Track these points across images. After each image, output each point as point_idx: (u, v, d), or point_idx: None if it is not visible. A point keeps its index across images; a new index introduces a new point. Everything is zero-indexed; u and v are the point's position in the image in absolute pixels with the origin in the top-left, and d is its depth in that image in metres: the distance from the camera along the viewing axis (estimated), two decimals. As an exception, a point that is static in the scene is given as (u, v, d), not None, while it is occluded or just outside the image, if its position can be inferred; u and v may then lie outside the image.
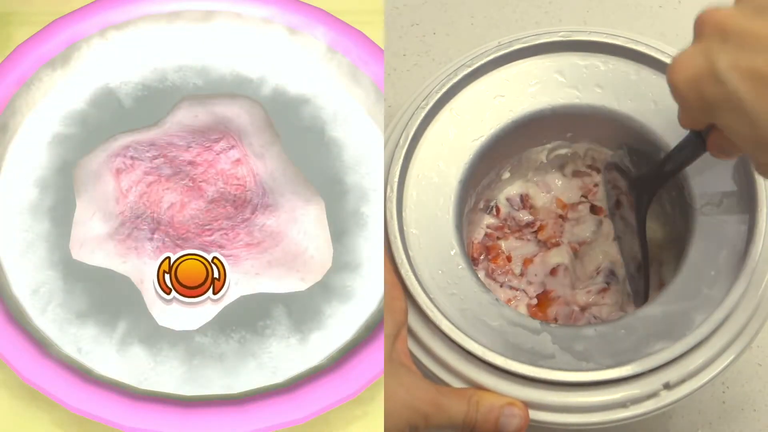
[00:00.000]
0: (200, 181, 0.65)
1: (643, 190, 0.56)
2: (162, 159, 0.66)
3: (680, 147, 0.52)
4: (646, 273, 0.58)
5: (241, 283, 0.62)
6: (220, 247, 0.63)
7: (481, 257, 0.63)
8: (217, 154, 0.66)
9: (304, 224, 0.64)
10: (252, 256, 0.63)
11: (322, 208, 0.64)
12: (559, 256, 0.62)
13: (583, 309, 0.61)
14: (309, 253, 0.63)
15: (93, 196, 0.64)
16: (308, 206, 0.64)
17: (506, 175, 0.63)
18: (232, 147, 0.67)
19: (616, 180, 0.60)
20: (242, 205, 0.65)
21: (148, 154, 0.66)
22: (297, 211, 0.64)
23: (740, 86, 0.40)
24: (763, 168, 0.44)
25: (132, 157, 0.65)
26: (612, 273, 0.62)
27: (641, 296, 0.59)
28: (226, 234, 0.63)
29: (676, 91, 0.43)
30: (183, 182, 0.65)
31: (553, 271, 0.62)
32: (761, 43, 0.39)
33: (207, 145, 0.67)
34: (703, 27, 0.42)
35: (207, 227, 0.64)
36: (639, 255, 0.58)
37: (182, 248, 0.62)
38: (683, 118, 0.47)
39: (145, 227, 0.63)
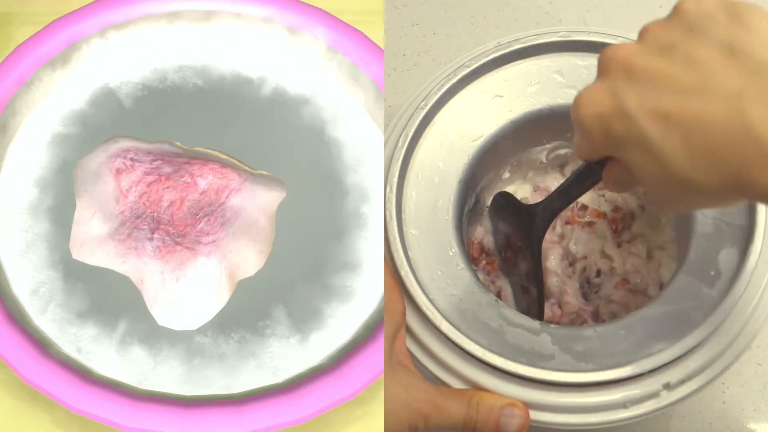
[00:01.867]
0: (197, 176, 0.65)
1: (540, 221, 0.56)
2: (161, 161, 0.66)
3: (578, 178, 0.52)
4: (540, 300, 0.58)
5: (222, 263, 0.62)
6: (207, 234, 0.63)
7: (481, 257, 0.63)
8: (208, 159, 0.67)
9: (257, 200, 0.65)
10: (225, 234, 0.63)
11: (280, 196, 0.65)
12: (552, 259, 0.63)
13: (579, 311, 0.61)
14: (260, 223, 0.64)
15: (93, 196, 0.64)
16: (268, 192, 0.65)
17: (506, 175, 0.63)
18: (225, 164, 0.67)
19: (502, 219, 0.61)
20: (221, 191, 0.65)
21: (147, 158, 0.66)
22: (256, 192, 0.65)
23: (648, 126, 0.40)
24: (668, 203, 0.44)
25: (132, 159, 0.65)
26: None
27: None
28: (209, 219, 0.64)
29: (581, 126, 0.43)
30: (183, 179, 0.65)
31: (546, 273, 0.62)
32: (666, 83, 0.40)
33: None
34: (608, 63, 0.42)
35: (197, 216, 0.64)
36: (532, 285, 0.58)
37: (181, 245, 0.62)
38: (581, 150, 0.46)
39: (145, 227, 0.63)
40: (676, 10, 0.42)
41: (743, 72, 0.38)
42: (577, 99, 0.43)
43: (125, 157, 0.65)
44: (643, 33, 0.43)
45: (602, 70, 0.43)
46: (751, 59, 0.39)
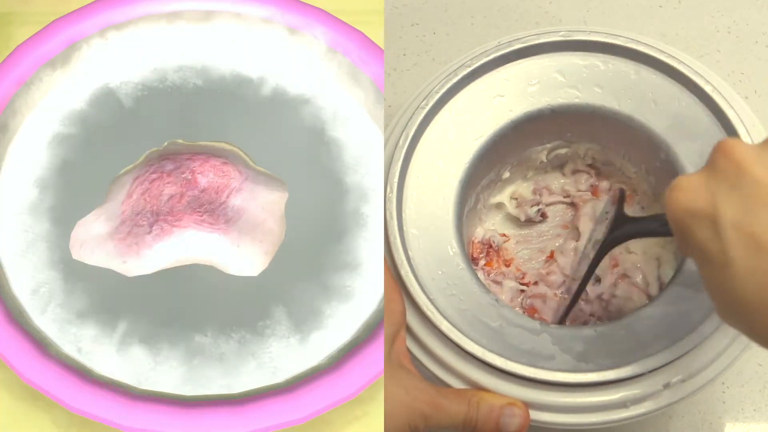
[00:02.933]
0: (198, 173, 0.65)
1: (614, 236, 0.57)
2: (166, 159, 0.66)
3: (654, 226, 0.53)
4: (576, 294, 0.58)
5: (229, 252, 0.63)
6: (210, 224, 0.63)
7: (481, 256, 0.63)
8: (212, 154, 0.67)
9: (259, 201, 0.65)
10: (228, 232, 0.63)
11: (283, 197, 0.65)
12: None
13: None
14: (267, 224, 0.64)
15: (115, 203, 0.65)
16: (270, 192, 0.65)
17: (506, 174, 0.63)
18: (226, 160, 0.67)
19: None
20: (222, 190, 0.65)
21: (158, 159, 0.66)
22: (257, 192, 0.65)
23: (734, 248, 0.36)
24: (722, 315, 0.40)
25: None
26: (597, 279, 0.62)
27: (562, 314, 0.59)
28: (210, 216, 0.64)
29: (670, 213, 0.40)
30: (183, 176, 0.65)
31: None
32: None
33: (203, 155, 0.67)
34: (719, 157, 0.38)
35: (197, 210, 0.64)
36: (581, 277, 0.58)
37: (178, 227, 0.63)
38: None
39: (144, 223, 0.63)
40: None
41: None
42: (675, 183, 0.40)
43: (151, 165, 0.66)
44: None
45: (711, 162, 0.39)
46: None
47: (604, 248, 0.57)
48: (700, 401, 0.65)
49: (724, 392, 0.65)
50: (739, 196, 0.36)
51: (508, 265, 0.63)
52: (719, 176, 0.38)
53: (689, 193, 0.39)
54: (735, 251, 0.36)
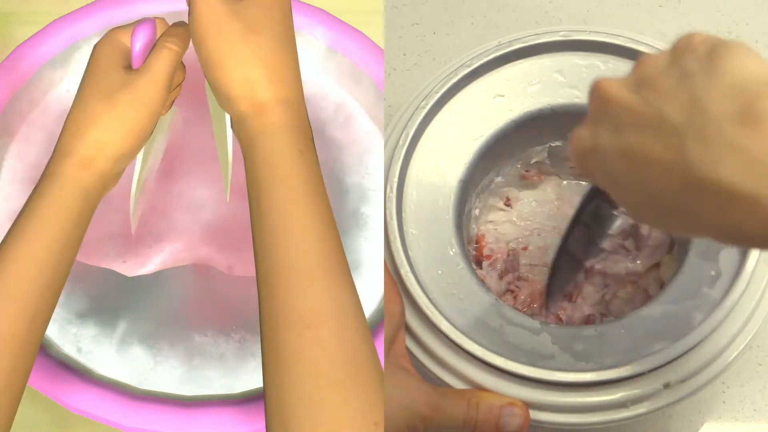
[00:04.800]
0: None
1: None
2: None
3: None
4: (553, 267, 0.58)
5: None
6: None
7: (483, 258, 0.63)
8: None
9: None
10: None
11: None
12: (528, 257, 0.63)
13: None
14: None
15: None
16: None
17: (499, 179, 0.63)
18: None
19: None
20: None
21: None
22: None
23: (615, 164, 0.40)
24: (636, 219, 0.44)
25: None
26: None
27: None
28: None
29: (573, 162, 0.44)
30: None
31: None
32: (633, 119, 0.39)
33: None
34: (593, 100, 0.42)
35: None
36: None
37: None
38: None
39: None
40: (672, 45, 0.41)
41: (687, 108, 0.37)
42: (570, 138, 0.43)
43: None
44: (636, 65, 0.42)
45: (589, 107, 0.43)
46: (700, 96, 0.36)
47: (576, 216, 0.57)
48: (700, 401, 0.65)
49: (724, 392, 0.65)
50: (609, 123, 0.40)
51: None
52: (595, 116, 0.42)
53: (577, 140, 0.43)
54: (616, 166, 0.40)
